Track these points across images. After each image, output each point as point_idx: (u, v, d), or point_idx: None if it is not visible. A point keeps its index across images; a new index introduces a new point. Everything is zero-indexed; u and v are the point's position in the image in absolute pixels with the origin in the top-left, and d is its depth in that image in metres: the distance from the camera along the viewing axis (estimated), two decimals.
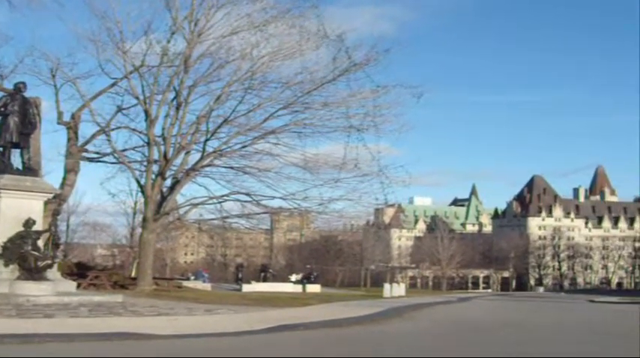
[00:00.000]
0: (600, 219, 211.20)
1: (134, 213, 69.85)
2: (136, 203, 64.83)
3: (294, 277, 78.05)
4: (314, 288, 65.81)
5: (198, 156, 42.14)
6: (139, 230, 55.69)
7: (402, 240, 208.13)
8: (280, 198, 42.53)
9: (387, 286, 68.06)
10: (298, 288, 63.44)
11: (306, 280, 71.58)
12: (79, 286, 33.98)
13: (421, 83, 39.02)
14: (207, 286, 59.24)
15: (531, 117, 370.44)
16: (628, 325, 30.63)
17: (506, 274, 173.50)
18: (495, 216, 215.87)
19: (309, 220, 75.33)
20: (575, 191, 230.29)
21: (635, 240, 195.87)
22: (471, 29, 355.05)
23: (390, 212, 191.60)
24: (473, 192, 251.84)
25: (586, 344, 20.63)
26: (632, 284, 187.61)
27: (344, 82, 39.97)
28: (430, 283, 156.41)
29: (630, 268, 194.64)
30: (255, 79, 39.83)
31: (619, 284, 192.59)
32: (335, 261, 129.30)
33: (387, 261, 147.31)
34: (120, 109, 42.23)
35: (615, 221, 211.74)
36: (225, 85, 40.50)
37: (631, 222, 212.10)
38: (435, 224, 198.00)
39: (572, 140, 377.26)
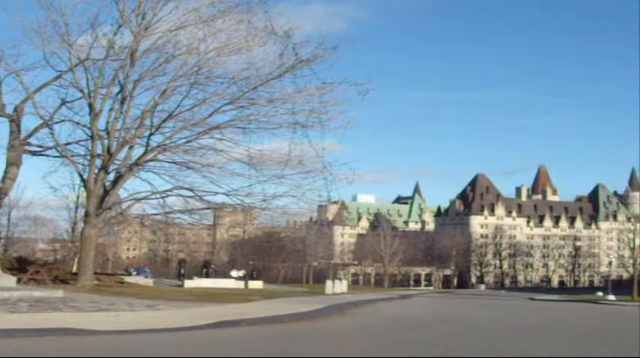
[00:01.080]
0: (542, 218, 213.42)
1: (76, 208, 69.01)
2: (78, 197, 64.14)
3: (235, 273, 77.84)
4: (256, 284, 65.75)
5: (141, 150, 41.91)
6: (80, 224, 55.23)
7: (344, 236, 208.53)
8: (223, 193, 42.45)
9: (329, 283, 68.22)
10: (240, 284, 63.32)
11: (248, 276, 71.55)
12: (19, 281, 33.65)
13: (367, 80, 39.19)
14: (149, 281, 58.89)
15: (477, 116, 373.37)
16: (572, 322, 31.12)
17: (448, 272, 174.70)
18: (438, 214, 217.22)
19: (252, 216, 75.38)
20: (518, 190, 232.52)
21: (576, 239, 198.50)
22: (421, 28, 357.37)
23: (333, 209, 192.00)
24: (416, 190, 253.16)
25: (521, 341, 20.90)
26: (572, 283, 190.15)
27: (290, 79, 40.00)
28: (372, 280, 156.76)
29: (570, 267, 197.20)
30: (201, 74, 39.72)
31: (561, 282, 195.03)
32: (278, 257, 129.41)
33: (330, 258, 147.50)
34: (64, 102, 41.75)
35: (556, 220, 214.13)
36: (170, 80, 40.32)
37: (572, 221, 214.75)
38: (377, 221, 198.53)
39: (517, 139, 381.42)
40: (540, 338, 21.96)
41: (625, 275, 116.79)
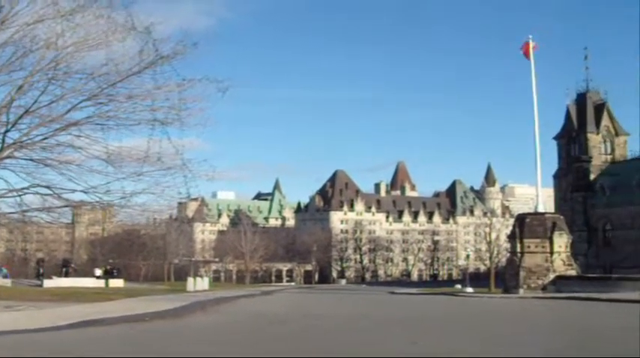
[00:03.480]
0: (401, 214, 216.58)
1: None
2: None
3: (98, 271, 76.82)
4: (117, 283, 65.08)
5: None
6: None
7: (205, 233, 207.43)
8: (82, 191, 41.63)
9: (190, 280, 68.04)
10: (101, 283, 62.55)
11: (108, 275, 70.68)
12: None
13: (227, 78, 38.96)
14: (6, 282, 57.66)
15: (337, 113, 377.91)
16: (430, 315, 31.84)
17: (309, 267, 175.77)
18: (298, 210, 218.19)
19: (111, 214, 73.90)
20: (377, 186, 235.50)
21: (434, 233, 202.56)
22: (285, 26, 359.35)
23: (193, 206, 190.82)
24: (276, 186, 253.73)
25: (376, 332, 21.33)
26: (432, 276, 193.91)
27: (150, 75, 39.50)
28: (234, 277, 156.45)
29: (429, 260, 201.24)
30: (59, 69, 38.88)
31: (421, 276, 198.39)
32: (138, 255, 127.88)
33: (191, 255, 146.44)
34: None
35: (415, 215, 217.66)
36: (27, 75, 39.32)
37: (430, 216, 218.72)
38: (238, 218, 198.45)
39: (377, 136, 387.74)
40: (399, 331, 22.44)
41: (482, 268, 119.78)
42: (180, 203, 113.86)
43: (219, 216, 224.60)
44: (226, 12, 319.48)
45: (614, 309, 33.90)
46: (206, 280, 79.27)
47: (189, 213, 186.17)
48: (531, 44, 61.62)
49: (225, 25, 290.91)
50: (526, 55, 61.65)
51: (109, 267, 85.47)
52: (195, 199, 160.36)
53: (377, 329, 23.09)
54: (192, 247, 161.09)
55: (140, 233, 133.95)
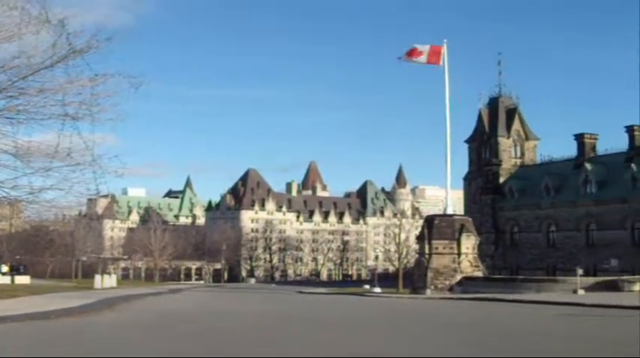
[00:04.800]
0: (311, 213, 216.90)
1: None
2: None
3: (4, 268, 75.57)
4: (23, 280, 64.15)
5: None
6: None
7: (115, 230, 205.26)
8: None
9: (97, 277, 67.43)
10: (7, 280, 61.54)
11: (14, 271, 69.60)
12: None
13: (141, 73, 38.64)
14: None
15: (250, 113, 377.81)
16: (333, 313, 32.06)
17: (218, 266, 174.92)
18: (209, 208, 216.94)
19: (19, 210, 72.92)
20: (289, 185, 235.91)
21: (344, 233, 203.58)
22: (203, 25, 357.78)
23: (103, 202, 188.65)
24: (188, 184, 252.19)
25: (276, 331, 21.45)
26: (341, 276, 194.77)
27: (62, 69, 38.97)
28: (143, 274, 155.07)
29: (339, 261, 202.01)
30: None
31: (330, 276, 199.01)
32: (46, 251, 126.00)
33: (99, 252, 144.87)
34: None
35: (325, 215, 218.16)
36: None
37: (340, 216, 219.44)
38: (148, 215, 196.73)
39: (291, 136, 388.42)
40: (298, 327, 22.59)
41: (391, 269, 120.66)
42: (89, 199, 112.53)
43: (130, 213, 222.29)
44: (145, 8, 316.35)
45: (518, 310, 34.57)
46: (114, 277, 78.71)
47: (99, 210, 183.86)
48: (444, 48, 62.11)
49: (143, 22, 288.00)
50: (411, 56, 61.69)
51: (15, 264, 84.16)
52: (106, 196, 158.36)
53: (281, 329, 23.21)
54: (101, 244, 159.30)
55: (49, 229, 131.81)
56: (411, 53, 61.70)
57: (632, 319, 25.50)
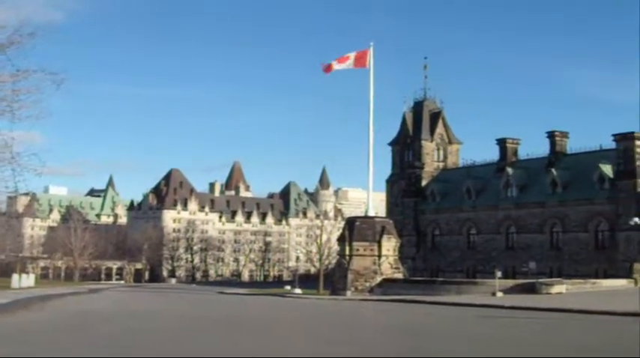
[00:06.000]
0: (234, 214, 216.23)
1: None
2: None
3: None
4: None
5: None
6: None
7: (35, 229, 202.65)
8: None
9: (15, 277, 66.45)
10: None
11: None
12: None
13: (64, 70, 38.30)
14: None
15: (175, 112, 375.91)
16: (252, 314, 32.12)
17: (139, 265, 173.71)
18: (131, 207, 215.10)
19: None
20: (212, 185, 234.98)
21: (266, 234, 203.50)
22: (131, 25, 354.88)
23: (23, 200, 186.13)
24: (110, 183, 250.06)
25: (194, 332, 21.46)
26: (262, 277, 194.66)
27: None
28: (63, 274, 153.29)
29: (260, 261, 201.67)
30: None
31: (251, 276, 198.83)
32: None
33: (18, 251, 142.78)
34: None
35: (248, 216, 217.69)
36: None
37: (263, 217, 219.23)
38: (69, 214, 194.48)
39: (216, 137, 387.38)
40: (219, 331, 22.61)
41: (313, 270, 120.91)
42: (9, 197, 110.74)
43: (50, 211, 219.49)
44: (77, 6, 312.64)
45: (435, 311, 34.97)
46: (32, 277, 77.55)
47: (19, 208, 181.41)
48: (370, 51, 62.34)
49: (73, 19, 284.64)
50: (340, 62, 61.99)
51: None
52: (26, 194, 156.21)
53: (199, 329, 23.21)
54: (20, 243, 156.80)
55: None
56: (340, 60, 61.94)
57: (546, 321, 25.99)
